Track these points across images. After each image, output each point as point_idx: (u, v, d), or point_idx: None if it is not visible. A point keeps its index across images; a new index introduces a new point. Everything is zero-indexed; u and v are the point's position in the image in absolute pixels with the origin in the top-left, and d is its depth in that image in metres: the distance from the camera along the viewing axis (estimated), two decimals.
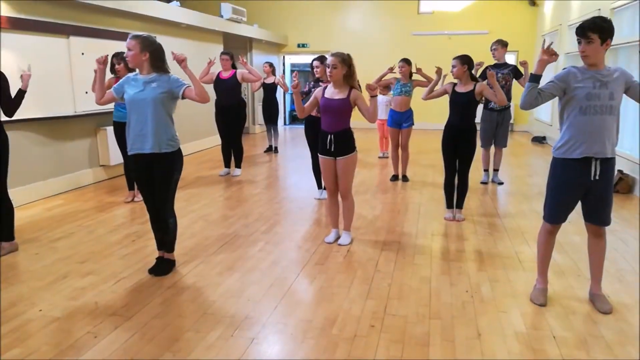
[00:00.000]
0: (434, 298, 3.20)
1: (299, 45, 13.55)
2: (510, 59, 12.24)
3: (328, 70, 3.84)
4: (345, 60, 3.84)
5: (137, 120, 3.36)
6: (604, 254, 3.05)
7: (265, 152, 9.20)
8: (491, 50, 6.45)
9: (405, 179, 6.65)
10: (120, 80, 3.45)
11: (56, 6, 5.86)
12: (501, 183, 6.41)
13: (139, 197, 5.27)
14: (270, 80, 8.84)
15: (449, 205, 4.96)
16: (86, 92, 6.31)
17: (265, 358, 2.54)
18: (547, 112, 10.51)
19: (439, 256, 3.96)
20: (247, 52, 11.85)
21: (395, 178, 6.72)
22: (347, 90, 3.90)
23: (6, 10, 5.22)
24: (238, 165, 7.07)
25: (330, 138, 3.95)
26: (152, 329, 2.80)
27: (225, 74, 6.73)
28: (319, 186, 5.77)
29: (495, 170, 6.49)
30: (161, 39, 8.69)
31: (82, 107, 6.28)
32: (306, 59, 15.05)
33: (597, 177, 2.87)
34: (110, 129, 6.60)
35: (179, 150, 3.51)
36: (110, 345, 2.63)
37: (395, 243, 4.24)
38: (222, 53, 6.87)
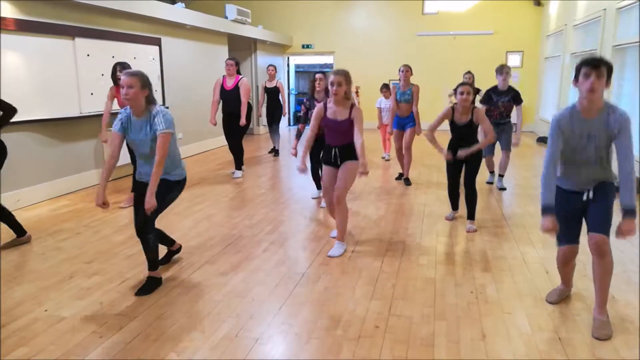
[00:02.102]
0: (439, 299, 3.19)
1: (303, 46, 13.56)
2: (515, 59, 12.29)
3: (332, 88, 3.80)
4: (348, 77, 3.86)
5: (143, 160, 3.37)
6: (609, 275, 2.74)
7: (269, 153, 9.22)
8: (502, 75, 6.11)
9: (407, 182, 6.58)
10: (122, 117, 3.32)
11: (61, 8, 5.89)
12: (504, 189, 6.30)
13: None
14: (272, 84, 8.86)
15: (454, 207, 4.95)
16: (92, 94, 6.35)
17: (269, 358, 2.54)
18: (553, 112, 10.47)
19: (443, 257, 3.95)
20: (251, 53, 11.87)
21: (401, 176, 6.74)
22: (348, 109, 3.87)
23: (12, 12, 5.26)
24: (238, 167, 7.10)
25: (335, 152, 3.99)
26: (157, 329, 2.81)
27: (230, 82, 6.77)
28: (318, 187, 5.79)
29: (501, 175, 6.39)
30: (166, 41, 8.79)
31: (88, 108, 6.32)
32: (311, 59, 15.10)
33: (590, 198, 2.80)
34: None
35: (183, 180, 3.49)
36: (115, 345, 2.65)
37: (400, 244, 4.24)
38: (228, 59, 6.91)
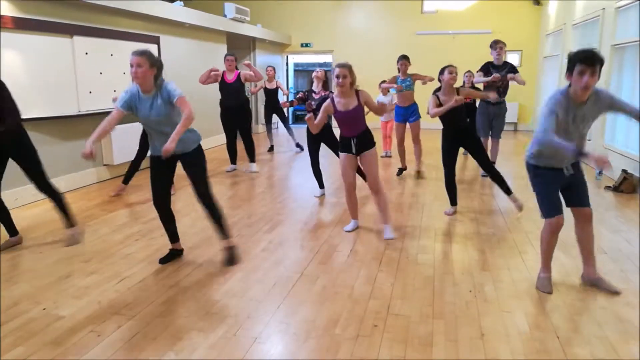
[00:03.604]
0: (437, 298, 3.19)
1: (302, 45, 13.55)
2: (514, 58, 12.28)
3: (338, 80, 3.99)
4: (351, 69, 4.05)
5: (158, 135, 3.50)
6: (593, 239, 3.27)
7: (268, 151, 9.30)
8: (496, 50, 6.41)
9: (419, 175, 6.76)
10: (127, 97, 3.40)
11: (60, 6, 5.87)
12: (486, 176, 6.51)
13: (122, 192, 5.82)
14: (272, 85, 9.02)
15: (453, 202, 5.07)
16: (90, 92, 6.33)
17: (267, 357, 2.54)
18: None
19: (442, 256, 3.95)
20: (250, 51, 11.85)
21: (401, 171, 6.87)
22: (355, 96, 4.11)
23: (10, 10, 5.24)
24: (253, 160, 7.29)
25: (353, 141, 4.22)
26: (155, 328, 2.80)
27: (230, 77, 6.94)
28: (321, 186, 5.87)
29: (492, 162, 6.47)
30: (165, 39, 8.78)
31: (86, 107, 6.30)
32: (310, 58, 15.08)
33: (571, 172, 3.13)
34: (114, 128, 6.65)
35: (199, 145, 3.67)
36: (113, 344, 2.64)
37: (399, 242, 4.24)
38: (227, 54, 7.04)
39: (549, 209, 3.15)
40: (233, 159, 7.39)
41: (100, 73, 6.55)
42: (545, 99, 3.02)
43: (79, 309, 3.04)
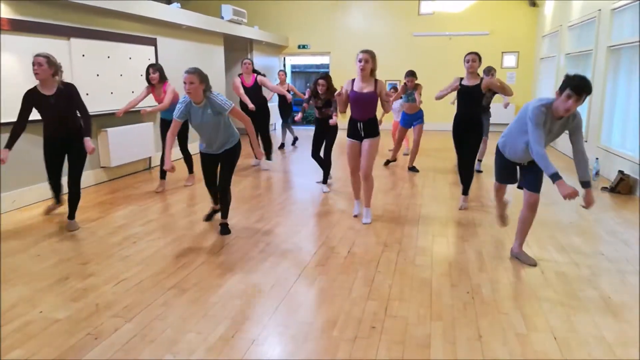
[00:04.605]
0: (435, 299, 3.19)
1: (299, 47, 13.55)
2: (510, 60, 12.33)
3: (360, 64, 4.39)
4: (374, 56, 4.47)
5: (207, 137, 4.30)
6: (531, 224, 3.74)
7: (279, 149, 9.89)
8: (488, 75, 6.86)
9: (414, 169, 7.37)
10: (183, 108, 4.16)
11: (57, 8, 5.87)
12: (480, 171, 7.23)
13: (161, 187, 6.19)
14: (284, 88, 9.56)
15: (465, 190, 5.42)
16: (87, 94, 6.31)
17: (266, 359, 2.54)
18: None
19: (439, 257, 3.95)
20: (247, 53, 11.85)
21: (388, 162, 7.78)
22: (373, 83, 4.49)
23: (6, 12, 5.23)
24: (268, 158, 7.84)
25: (360, 125, 4.56)
26: (153, 331, 2.80)
27: (248, 80, 7.51)
28: (325, 179, 6.26)
29: (479, 160, 7.27)
30: (162, 41, 8.77)
31: None
32: (307, 60, 15.10)
33: (525, 165, 3.66)
34: (111, 131, 6.66)
35: (239, 142, 4.45)
36: (111, 346, 2.64)
37: (396, 244, 4.24)
38: (244, 59, 7.66)
39: (497, 176, 4.01)
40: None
41: (97, 75, 6.54)
42: (531, 106, 3.33)
43: (77, 311, 3.03)
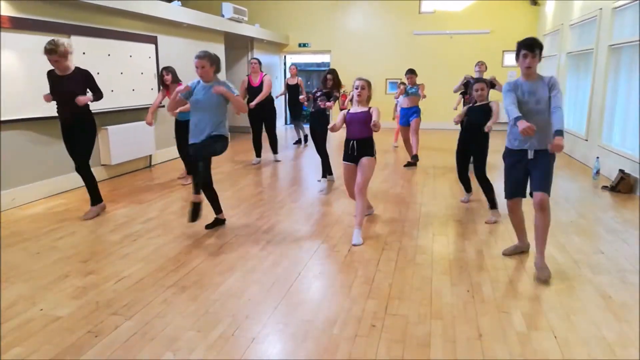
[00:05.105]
0: (435, 298, 3.19)
1: (300, 45, 13.54)
2: (511, 59, 12.27)
3: (356, 91, 4.44)
4: (370, 84, 4.52)
5: (199, 117, 4.26)
6: (547, 227, 3.50)
7: (295, 144, 10.16)
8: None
9: (415, 158, 7.61)
10: (187, 91, 4.28)
11: (57, 5, 5.86)
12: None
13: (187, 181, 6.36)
14: (293, 81, 9.82)
15: (467, 189, 5.52)
16: (87, 91, 6.31)
17: (265, 358, 2.54)
18: None
19: (440, 256, 3.95)
20: (248, 51, 11.84)
21: (410, 164, 7.66)
22: (367, 108, 4.48)
23: (7, 10, 5.22)
24: (275, 152, 8.28)
25: (352, 144, 4.44)
26: (153, 329, 2.80)
27: (255, 79, 7.78)
28: (324, 174, 6.40)
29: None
30: (162, 39, 8.76)
31: None
32: (307, 58, 15.07)
33: (532, 158, 3.54)
34: (112, 129, 6.66)
35: (226, 138, 4.36)
36: (111, 344, 2.64)
37: (396, 242, 4.24)
38: (252, 58, 8.08)
39: (506, 191, 3.76)
40: (258, 152, 8.08)
41: (98, 73, 6.52)
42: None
43: (77, 309, 3.03)
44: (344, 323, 2.86)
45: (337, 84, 6.26)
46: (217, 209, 4.65)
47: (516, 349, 2.60)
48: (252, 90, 7.77)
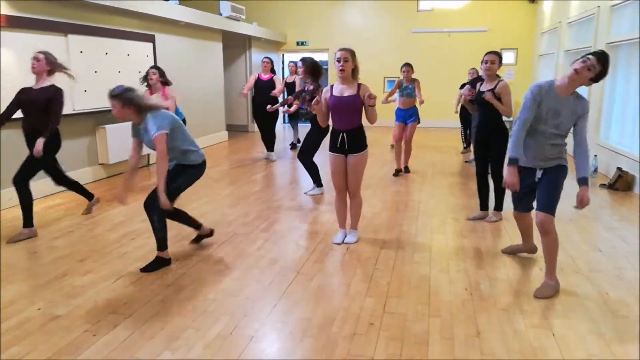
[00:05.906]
0: (433, 296, 3.20)
1: (298, 43, 13.53)
2: (509, 56, 12.31)
3: (339, 64, 3.76)
4: (354, 54, 3.82)
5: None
6: (554, 249, 3.20)
7: (290, 146, 9.84)
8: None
9: (406, 169, 7.10)
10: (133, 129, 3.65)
11: (54, 4, 5.84)
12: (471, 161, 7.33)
13: None
14: (292, 79, 9.50)
15: (483, 206, 4.86)
16: (85, 91, 6.30)
17: (264, 356, 2.54)
18: None
19: (438, 254, 3.95)
20: (246, 50, 11.82)
21: (397, 173, 6.95)
22: (355, 86, 3.84)
23: (4, 9, 5.21)
24: (271, 149, 8.34)
25: (342, 137, 3.88)
26: (152, 327, 2.80)
27: (265, 76, 8.12)
28: (317, 183, 5.93)
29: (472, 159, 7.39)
30: (160, 37, 8.73)
31: (81, 106, 6.28)
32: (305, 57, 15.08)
33: (539, 177, 3.25)
34: (109, 127, 6.64)
35: (193, 165, 3.74)
36: (109, 343, 2.63)
37: (395, 241, 4.24)
38: (265, 57, 8.22)
39: (514, 203, 3.59)
40: (268, 147, 8.38)
41: (95, 72, 6.52)
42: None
43: (75, 308, 3.03)
44: (342, 321, 2.86)
45: (313, 72, 5.53)
46: (196, 225, 4.04)
47: (514, 346, 2.61)
48: (261, 84, 8.04)
